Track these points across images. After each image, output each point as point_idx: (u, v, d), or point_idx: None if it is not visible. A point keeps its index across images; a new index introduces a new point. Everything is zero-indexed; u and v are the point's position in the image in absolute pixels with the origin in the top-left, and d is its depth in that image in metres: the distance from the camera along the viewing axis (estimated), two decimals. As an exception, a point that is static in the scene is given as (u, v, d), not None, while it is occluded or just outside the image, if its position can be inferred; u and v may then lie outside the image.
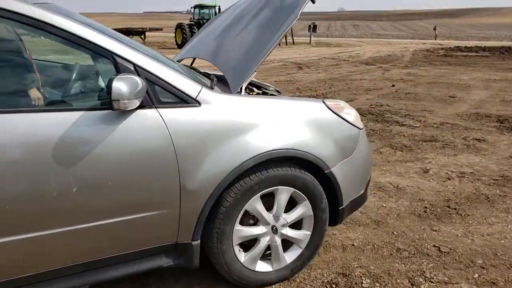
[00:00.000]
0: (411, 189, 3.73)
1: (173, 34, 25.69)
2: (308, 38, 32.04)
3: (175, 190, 1.94)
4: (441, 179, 3.97)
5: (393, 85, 9.99)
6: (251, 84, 3.64)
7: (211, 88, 2.19)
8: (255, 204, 2.20)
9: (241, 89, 2.25)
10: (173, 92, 1.94)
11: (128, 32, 25.45)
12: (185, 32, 23.79)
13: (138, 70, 1.86)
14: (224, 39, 2.88)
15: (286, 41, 30.85)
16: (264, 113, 2.16)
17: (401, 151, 4.85)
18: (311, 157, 2.24)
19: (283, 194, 2.26)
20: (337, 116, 2.41)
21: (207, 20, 25.97)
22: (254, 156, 2.07)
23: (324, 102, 2.39)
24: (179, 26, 24.41)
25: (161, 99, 1.91)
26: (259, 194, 2.19)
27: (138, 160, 1.85)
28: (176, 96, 1.94)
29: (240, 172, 2.05)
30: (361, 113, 6.73)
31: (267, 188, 2.19)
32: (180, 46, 25.35)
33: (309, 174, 2.30)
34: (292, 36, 31.60)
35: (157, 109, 1.89)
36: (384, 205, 3.40)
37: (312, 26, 30.50)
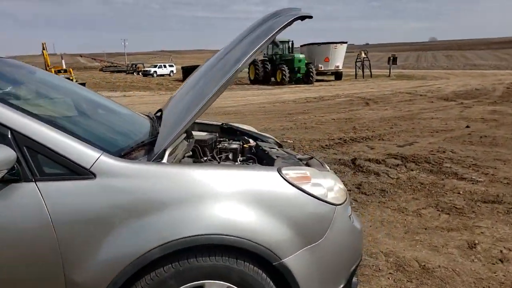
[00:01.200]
0: (443, 272, 2.92)
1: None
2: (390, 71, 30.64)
3: (58, 284, 1.57)
4: (491, 260, 3.07)
5: (467, 126, 8.75)
6: (246, 135, 3.21)
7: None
8: (173, 302, 1.73)
9: (163, 154, 1.83)
10: (61, 162, 1.60)
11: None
12: (257, 68, 24.20)
13: (16, 136, 1.56)
14: (182, 92, 2.53)
15: (363, 73, 29.85)
16: (186, 188, 1.72)
17: (448, 214, 3.97)
18: (249, 245, 1.72)
19: (213, 291, 1.76)
20: (297, 190, 1.87)
21: (280, 56, 26.38)
22: (162, 245, 1.62)
23: (279, 172, 1.87)
24: (252, 62, 24.94)
25: (45, 171, 1.58)
26: (179, 290, 1.72)
27: (10, 246, 1.52)
28: (65, 166, 1.60)
29: (145, 263, 1.62)
30: (416, 161, 5.85)
31: (189, 283, 1.72)
32: (253, 81, 25.82)
33: (251, 266, 1.78)
34: (370, 68, 30.49)
35: (37, 182, 1.56)
36: (396, 294, 2.66)
37: (391, 58, 29.17)
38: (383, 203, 4.26)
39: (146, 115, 2.94)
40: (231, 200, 1.74)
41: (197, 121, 3.26)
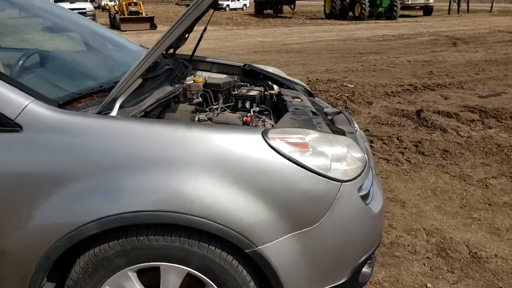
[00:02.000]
0: (499, 264, 2.33)
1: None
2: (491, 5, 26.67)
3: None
4: None
5: None
6: (271, 79, 2.72)
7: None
8: (124, 283, 1.46)
9: (112, 105, 1.45)
10: (-19, 111, 1.31)
11: (278, 2, 25.35)
12: (334, 1, 22.27)
13: None
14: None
15: (458, 8, 26.31)
16: (133, 150, 1.35)
17: (525, 188, 3.21)
18: (211, 227, 1.35)
19: (171, 274, 1.46)
20: (286, 161, 1.41)
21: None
22: (99, 219, 1.31)
23: (264, 136, 1.42)
24: (330, -6, 22.97)
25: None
26: (129, 270, 1.43)
27: None
28: (-13, 117, 1.31)
29: (82, 238, 1.34)
30: (498, 116, 4.88)
31: (139, 264, 1.42)
32: (329, 16, 24.00)
33: (217, 251, 1.42)
34: (468, 2, 26.73)
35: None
36: (429, 286, 2.16)
37: (495, -10, 25.12)
38: (442, 167, 3.59)
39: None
40: (193, 169, 1.35)
41: (216, 61, 2.83)
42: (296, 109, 2.17)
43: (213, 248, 1.41)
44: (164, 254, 1.40)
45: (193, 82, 2.51)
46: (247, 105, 2.59)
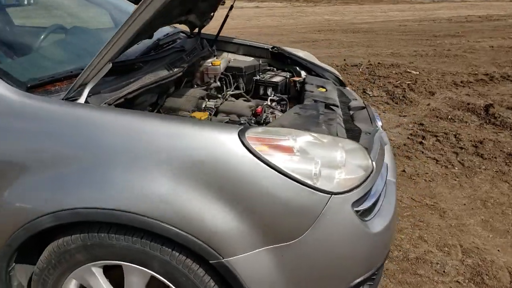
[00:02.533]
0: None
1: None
2: None
3: None
4: None
5: None
6: (299, 65, 2.49)
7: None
8: (88, 278, 1.39)
9: (81, 91, 1.34)
10: None
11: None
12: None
13: None
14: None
15: None
16: (92, 142, 1.25)
17: None
18: (170, 233, 1.23)
19: (133, 276, 1.36)
20: (264, 166, 1.23)
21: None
22: (54, 213, 1.24)
23: (240, 135, 1.24)
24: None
25: None
26: (92, 266, 1.37)
27: None
28: None
29: (37, 230, 1.28)
30: None
31: (99, 261, 1.34)
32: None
33: (181, 257, 1.29)
34: None
35: None
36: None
37: None
38: (502, 174, 3.11)
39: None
40: (156, 168, 1.22)
41: (244, 42, 2.65)
42: (315, 100, 1.94)
43: (177, 254, 1.28)
44: (125, 254, 1.30)
45: (210, 65, 2.36)
46: (269, 92, 2.39)
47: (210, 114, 1.90)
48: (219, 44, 2.66)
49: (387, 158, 1.79)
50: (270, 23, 11.55)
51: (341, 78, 2.45)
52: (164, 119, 1.27)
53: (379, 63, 6.58)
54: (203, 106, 1.99)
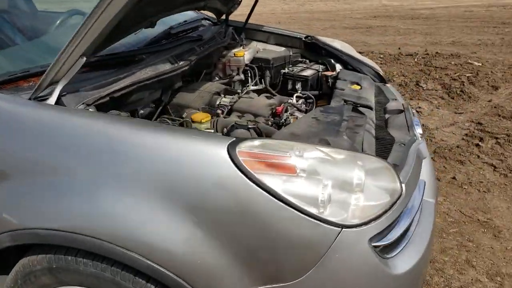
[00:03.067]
0: None
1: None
2: None
3: None
4: None
5: None
6: (335, 57, 2.22)
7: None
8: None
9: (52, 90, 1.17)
10: None
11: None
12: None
13: None
14: None
15: None
16: (56, 151, 1.08)
17: None
18: (142, 265, 1.04)
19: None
20: (256, 188, 1.01)
21: None
22: (10, 231, 1.11)
23: (230, 150, 1.02)
24: None
25: None
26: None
27: None
28: None
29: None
30: None
31: (71, 286, 1.19)
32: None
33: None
34: None
35: None
36: None
37: None
38: None
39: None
40: (128, 187, 1.04)
41: (275, 30, 2.40)
42: (344, 100, 1.68)
43: (152, 287, 1.10)
44: (93, 282, 1.13)
45: (233, 56, 2.14)
46: (298, 87, 2.14)
47: (222, 113, 1.70)
48: (248, 32, 2.43)
49: (426, 174, 1.50)
50: (324, 8, 11.06)
51: (381, 73, 2.14)
52: (143, 127, 1.08)
53: (437, 52, 6.01)
54: (217, 103, 1.78)
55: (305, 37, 2.35)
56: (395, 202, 1.12)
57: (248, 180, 0.99)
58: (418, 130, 1.60)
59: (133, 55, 1.49)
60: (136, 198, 1.02)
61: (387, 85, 2.10)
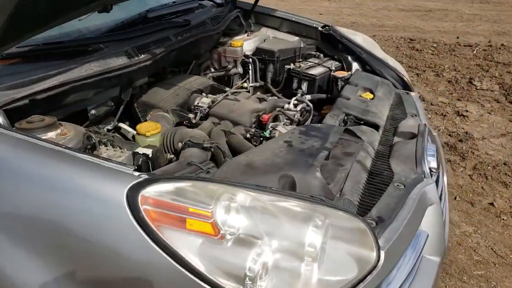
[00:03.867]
0: None
1: None
2: None
3: None
4: None
5: None
6: (351, 53, 1.87)
7: None
8: None
9: None
10: None
11: None
12: None
13: None
14: None
15: None
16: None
17: None
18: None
19: None
20: (162, 254, 0.75)
21: None
22: None
23: (131, 194, 0.76)
24: None
25: None
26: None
27: None
28: None
29: None
30: None
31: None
32: None
33: None
34: None
35: None
36: None
37: None
38: None
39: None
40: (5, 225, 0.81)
41: (288, 17, 2.07)
42: (346, 114, 1.35)
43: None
44: None
45: (229, 45, 1.85)
46: (304, 87, 1.82)
47: (195, 117, 1.43)
48: (258, 17, 2.11)
49: (431, 226, 1.15)
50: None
51: (406, 78, 1.75)
52: (27, 150, 0.83)
53: (502, 45, 5.26)
54: (195, 103, 1.52)
55: (322, 27, 1.99)
56: (365, 277, 0.82)
57: (148, 239, 0.74)
58: (432, 164, 1.25)
59: (83, 45, 1.24)
60: (11, 242, 0.80)
61: (411, 94, 1.71)
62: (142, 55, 1.33)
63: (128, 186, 0.76)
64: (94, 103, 1.29)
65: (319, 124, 1.23)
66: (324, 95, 1.76)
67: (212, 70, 1.91)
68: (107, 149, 1.03)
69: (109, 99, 1.35)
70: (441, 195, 1.27)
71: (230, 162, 1.00)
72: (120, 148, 1.03)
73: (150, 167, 1.04)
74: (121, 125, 1.50)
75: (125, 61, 1.27)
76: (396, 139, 1.34)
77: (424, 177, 1.16)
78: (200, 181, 0.81)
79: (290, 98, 1.70)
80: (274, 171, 0.98)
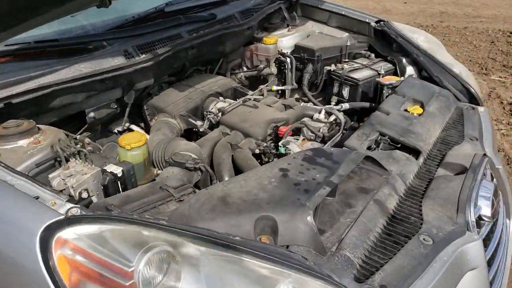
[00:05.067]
0: None
1: None
2: None
3: None
4: None
5: None
6: (406, 53, 1.58)
7: None
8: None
9: None
10: None
11: None
12: None
13: None
14: None
15: None
16: None
17: None
18: None
19: None
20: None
21: None
22: None
23: (44, 237, 0.63)
24: None
25: None
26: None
27: None
28: None
29: None
30: None
31: None
32: None
33: None
34: None
35: None
36: None
37: None
38: None
39: None
40: None
41: (338, 10, 1.81)
42: (381, 134, 1.10)
43: None
44: None
45: (261, 43, 1.65)
46: (345, 93, 1.56)
47: (202, 126, 1.27)
48: (305, 9, 1.87)
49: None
50: None
51: (473, 90, 1.40)
52: None
53: None
54: (210, 108, 1.36)
55: (375, 22, 1.69)
56: None
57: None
58: (484, 211, 0.94)
59: (81, 43, 1.14)
60: None
61: (479, 109, 1.36)
62: (143, 55, 1.19)
63: (44, 226, 0.63)
64: (93, 106, 1.19)
65: (332, 149, 0.99)
66: (367, 104, 1.48)
67: (245, 69, 1.73)
68: (76, 163, 0.92)
69: (113, 101, 1.24)
70: (494, 256, 0.97)
71: (200, 194, 0.82)
72: (92, 163, 0.92)
73: (120, 188, 0.92)
74: (133, 127, 1.40)
75: (122, 61, 1.14)
76: (440, 171, 1.05)
77: (467, 230, 0.88)
78: (135, 224, 0.65)
79: (328, 105, 1.46)
80: (253, 209, 0.78)
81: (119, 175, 0.89)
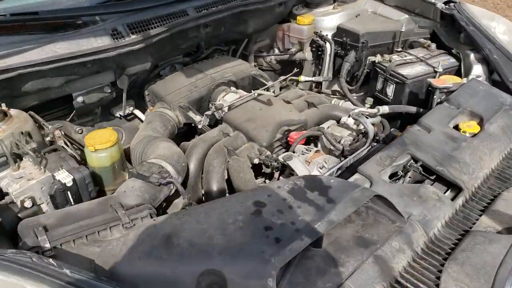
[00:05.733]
0: None
1: None
2: None
3: None
4: None
5: None
6: (477, 51, 1.26)
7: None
8: None
9: None
10: None
11: None
12: None
13: None
14: None
15: None
16: None
17: None
18: None
19: None
20: None
21: None
22: None
23: None
24: None
25: None
26: None
27: None
28: None
29: None
30: None
31: None
32: None
33: None
34: None
35: None
36: None
37: None
38: None
39: None
40: None
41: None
42: (414, 159, 0.86)
43: None
44: None
45: (294, 22, 1.40)
46: (390, 91, 1.28)
47: (201, 121, 1.09)
48: (359, -18, 1.56)
49: None
50: None
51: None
52: None
53: None
54: (217, 100, 1.17)
55: (444, 2, 1.35)
56: None
57: None
58: None
59: (65, 18, 0.99)
60: None
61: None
62: (134, 36, 1.02)
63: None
64: (80, 90, 1.07)
65: (333, 180, 0.76)
66: (413, 109, 1.19)
67: (276, 51, 1.50)
68: (28, 163, 0.80)
69: (106, 84, 1.11)
70: None
71: (144, 227, 0.66)
72: (45, 167, 0.79)
73: (71, 199, 0.78)
74: (136, 112, 1.27)
75: (106, 42, 0.99)
76: (483, 221, 0.78)
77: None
78: (17, 274, 0.51)
79: (362, 106, 1.21)
80: (200, 259, 0.61)
81: (69, 184, 0.76)
